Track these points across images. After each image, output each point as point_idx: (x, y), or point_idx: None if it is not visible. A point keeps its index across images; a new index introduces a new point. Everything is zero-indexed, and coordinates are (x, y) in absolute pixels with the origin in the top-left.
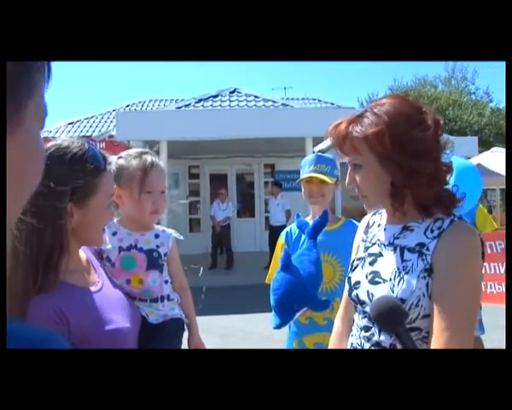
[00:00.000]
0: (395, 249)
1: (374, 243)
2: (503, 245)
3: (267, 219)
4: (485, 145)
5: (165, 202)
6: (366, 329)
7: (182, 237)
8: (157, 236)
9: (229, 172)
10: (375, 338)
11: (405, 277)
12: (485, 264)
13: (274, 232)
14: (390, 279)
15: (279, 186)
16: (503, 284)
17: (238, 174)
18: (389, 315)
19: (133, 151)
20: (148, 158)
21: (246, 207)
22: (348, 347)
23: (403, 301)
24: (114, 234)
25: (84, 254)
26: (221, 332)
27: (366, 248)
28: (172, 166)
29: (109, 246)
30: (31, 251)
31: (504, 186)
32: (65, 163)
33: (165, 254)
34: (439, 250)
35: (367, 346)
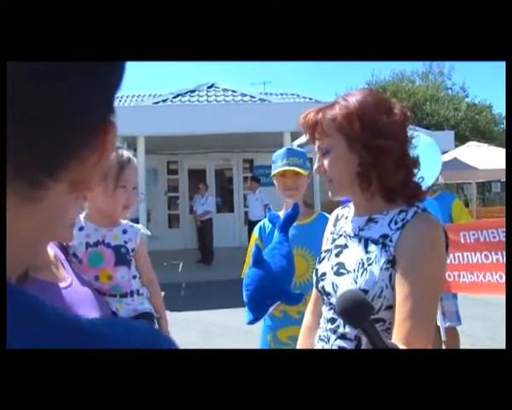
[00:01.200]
0: (360, 241)
1: (340, 235)
2: (477, 236)
3: (246, 213)
4: (461, 140)
5: (136, 198)
6: (332, 321)
7: (149, 233)
8: (125, 231)
9: (208, 167)
10: (341, 330)
11: (368, 268)
12: (459, 254)
13: (253, 227)
14: (354, 270)
15: (257, 181)
16: (476, 274)
17: (217, 170)
18: (354, 310)
19: None
20: (124, 153)
21: (225, 203)
22: (316, 340)
23: (365, 292)
24: (81, 229)
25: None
26: (200, 327)
27: (333, 240)
28: (150, 162)
29: (76, 242)
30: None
31: (480, 180)
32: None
33: (132, 250)
34: (402, 241)
35: (333, 338)
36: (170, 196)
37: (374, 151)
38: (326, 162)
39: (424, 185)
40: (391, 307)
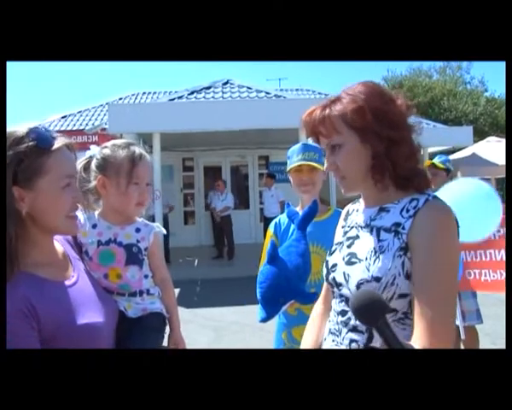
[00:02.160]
0: (371, 230)
1: (352, 227)
2: (502, 232)
3: (262, 210)
4: (480, 135)
5: (150, 195)
6: (343, 313)
7: (165, 232)
8: (138, 230)
9: (224, 164)
10: (352, 323)
11: (381, 256)
12: (481, 251)
13: (269, 224)
14: (366, 259)
15: (273, 177)
16: (499, 272)
17: (232, 166)
18: (368, 309)
19: (119, 141)
20: (136, 149)
21: (240, 199)
22: (326, 333)
23: (378, 279)
24: (94, 226)
25: (60, 247)
26: (215, 325)
27: (344, 233)
28: (166, 159)
29: (88, 239)
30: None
31: (499, 176)
32: (7, 146)
33: (145, 249)
34: (415, 229)
35: (344, 331)
36: (185, 193)
37: (387, 141)
38: (338, 159)
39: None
40: (403, 296)
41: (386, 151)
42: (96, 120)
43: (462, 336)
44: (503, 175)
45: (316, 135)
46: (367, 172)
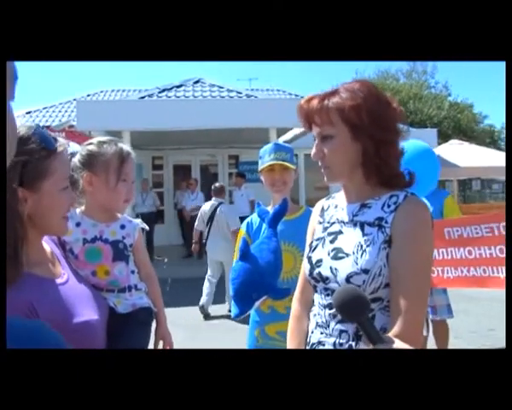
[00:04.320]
0: (355, 225)
1: (333, 223)
2: (460, 232)
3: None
4: (443, 138)
5: (134, 192)
6: (330, 306)
7: (147, 228)
8: (123, 226)
9: (193, 163)
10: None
11: (367, 249)
12: (443, 249)
13: (239, 223)
14: (353, 253)
15: (243, 177)
16: (460, 269)
17: (202, 165)
18: (350, 305)
19: (103, 138)
20: (124, 147)
21: (210, 198)
22: (313, 326)
23: (367, 271)
24: (78, 225)
25: (47, 246)
26: (186, 323)
27: (325, 229)
28: (136, 157)
29: (72, 237)
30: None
31: (461, 177)
32: (5, 130)
33: (130, 245)
34: (397, 222)
35: (333, 324)
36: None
37: (378, 142)
38: (326, 149)
39: (426, 190)
40: (388, 285)
41: (375, 151)
42: (62, 116)
43: (427, 332)
44: (465, 177)
45: (309, 122)
46: (352, 167)
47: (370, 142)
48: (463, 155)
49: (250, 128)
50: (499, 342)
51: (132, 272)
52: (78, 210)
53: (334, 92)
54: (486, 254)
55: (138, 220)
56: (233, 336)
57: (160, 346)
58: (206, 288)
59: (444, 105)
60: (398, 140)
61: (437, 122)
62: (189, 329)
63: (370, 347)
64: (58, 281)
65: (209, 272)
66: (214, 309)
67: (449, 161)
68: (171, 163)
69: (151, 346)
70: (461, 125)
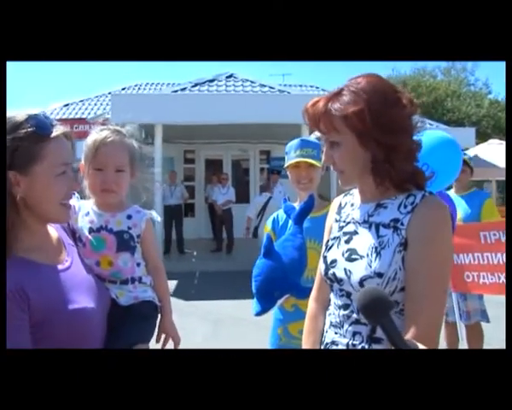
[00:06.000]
0: (370, 226)
1: (348, 222)
2: (498, 236)
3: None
4: (482, 137)
5: (122, 181)
6: (345, 307)
7: (159, 219)
8: (129, 217)
9: (225, 157)
10: (355, 316)
11: (382, 252)
12: (478, 254)
13: None
14: (367, 255)
15: (278, 173)
16: (497, 275)
17: (233, 160)
18: (373, 306)
19: (101, 127)
20: (104, 133)
21: (241, 193)
22: (327, 325)
23: (380, 275)
24: (87, 214)
25: (55, 232)
26: (213, 317)
27: (340, 228)
28: (167, 151)
29: (81, 225)
30: None
31: (500, 178)
32: (6, 131)
33: (137, 236)
34: (413, 224)
35: (347, 324)
36: (185, 186)
37: (384, 147)
38: (335, 155)
39: (445, 184)
40: (404, 289)
41: (385, 157)
42: (98, 109)
43: (462, 337)
44: (504, 178)
45: (317, 127)
46: (363, 170)
47: (378, 147)
48: (503, 154)
49: (282, 124)
50: None
51: (138, 264)
52: (89, 201)
53: (338, 94)
54: None
55: (149, 211)
56: (258, 333)
57: (163, 341)
58: None
59: (483, 103)
60: (409, 138)
61: (475, 121)
62: (215, 323)
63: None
64: (59, 267)
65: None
66: (244, 304)
67: (487, 160)
68: (202, 157)
69: (153, 340)
70: (501, 124)
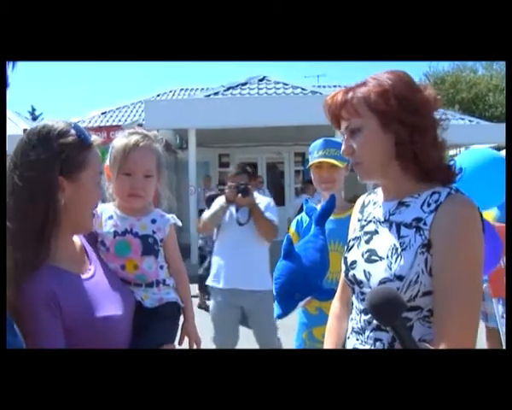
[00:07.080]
0: (391, 226)
1: (369, 221)
2: None
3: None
4: None
5: (149, 187)
6: (366, 312)
7: (180, 224)
8: (154, 221)
9: (260, 160)
10: (376, 321)
11: (403, 253)
12: None
13: None
14: (387, 257)
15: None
16: None
17: (269, 163)
18: (384, 308)
19: (129, 131)
20: (134, 138)
21: (276, 196)
22: (349, 332)
23: (401, 278)
24: (110, 218)
25: (78, 240)
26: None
27: (362, 227)
28: (203, 155)
29: (104, 230)
30: (19, 226)
31: None
32: (51, 137)
33: (161, 240)
34: (437, 224)
35: (368, 330)
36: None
37: (411, 128)
38: (355, 143)
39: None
40: (428, 294)
41: (409, 138)
42: (134, 116)
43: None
44: None
45: (337, 119)
46: (386, 160)
47: (403, 128)
48: None
49: (315, 125)
50: None
51: (161, 267)
52: (112, 204)
53: (361, 83)
54: None
55: (171, 215)
56: (285, 334)
57: (186, 343)
58: None
59: None
60: (435, 128)
61: None
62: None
63: None
64: (83, 276)
65: None
66: None
67: None
68: (237, 161)
69: (176, 342)
70: None
